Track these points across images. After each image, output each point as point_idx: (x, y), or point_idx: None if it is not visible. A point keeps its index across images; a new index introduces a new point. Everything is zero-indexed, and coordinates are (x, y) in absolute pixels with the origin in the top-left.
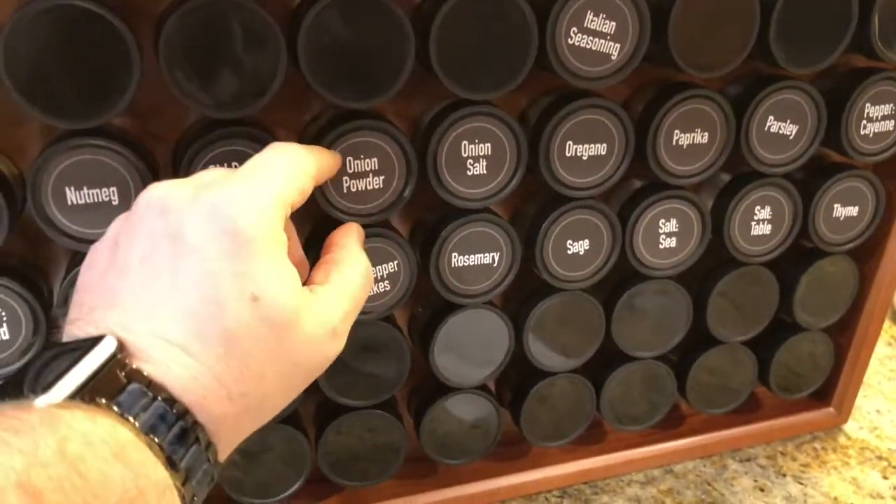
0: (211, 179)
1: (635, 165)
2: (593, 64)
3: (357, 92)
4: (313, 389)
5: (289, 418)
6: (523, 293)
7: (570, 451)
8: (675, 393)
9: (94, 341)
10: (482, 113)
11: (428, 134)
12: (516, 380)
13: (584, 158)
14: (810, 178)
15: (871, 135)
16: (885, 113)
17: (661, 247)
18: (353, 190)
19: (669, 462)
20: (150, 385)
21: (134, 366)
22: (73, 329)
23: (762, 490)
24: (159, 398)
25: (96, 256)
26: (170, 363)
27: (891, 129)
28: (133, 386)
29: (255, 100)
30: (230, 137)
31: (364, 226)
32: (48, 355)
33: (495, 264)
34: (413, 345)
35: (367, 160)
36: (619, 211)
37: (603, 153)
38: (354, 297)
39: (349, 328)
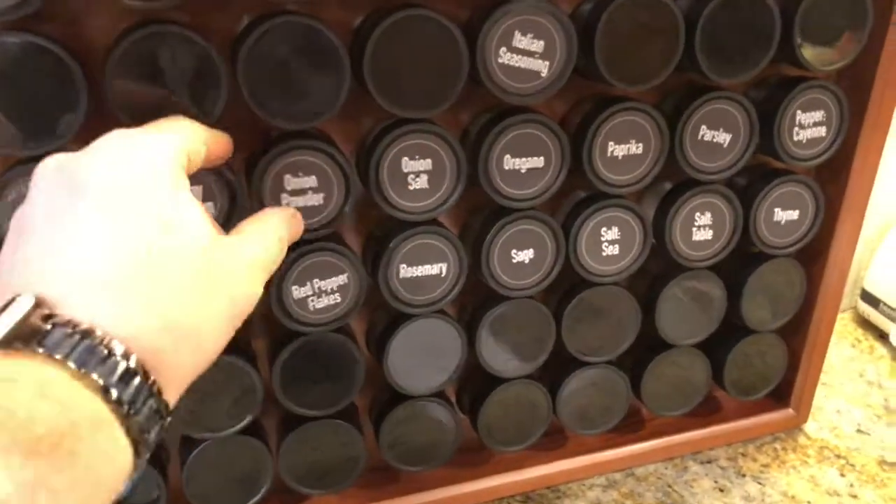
0: (103, 137)
1: (578, 177)
2: (523, 81)
3: (297, 114)
4: (273, 401)
5: (250, 429)
6: (475, 301)
7: (532, 457)
8: (630, 397)
9: (9, 302)
10: (420, 130)
11: (370, 151)
12: (474, 386)
13: (523, 171)
14: (750, 184)
15: (804, 141)
16: (817, 119)
17: (604, 254)
18: (293, 206)
19: (631, 465)
20: (77, 328)
21: (57, 312)
22: None
23: (722, 491)
24: (88, 338)
25: (3, 247)
26: (95, 304)
27: (823, 134)
28: (58, 330)
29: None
30: None
31: (307, 241)
32: None
33: (443, 274)
34: (370, 354)
35: (306, 177)
36: (564, 221)
37: (540, 166)
38: (269, 244)
39: (266, 276)
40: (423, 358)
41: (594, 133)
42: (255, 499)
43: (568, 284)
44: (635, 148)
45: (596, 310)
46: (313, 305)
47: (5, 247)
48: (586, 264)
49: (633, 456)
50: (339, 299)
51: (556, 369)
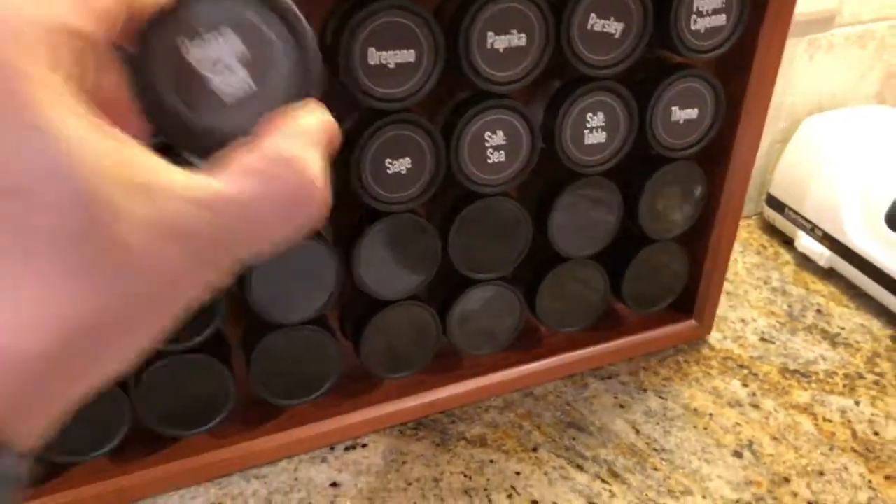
0: None
1: (457, 75)
2: None
3: None
4: None
5: None
6: (349, 218)
7: (423, 382)
8: (526, 314)
9: None
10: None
11: None
12: (355, 311)
13: (391, 66)
14: (645, 81)
15: (702, 30)
16: (717, 6)
17: (489, 161)
18: None
19: (528, 385)
20: None
21: None
22: None
23: (622, 406)
24: None
25: None
26: None
27: (723, 23)
28: None
29: None
30: None
31: None
32: None
33: None
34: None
35: None
36: (443, 125)
37: (411, 60)
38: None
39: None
40: (293, 284)
41: (470, 22)
42: (110, 446)
43: (452, 196)
44: (517, 39)
45: (484, 223)
46: None
47: None
48: (470, 173)
49: (531, 375)
50: None
51: (444, 288)
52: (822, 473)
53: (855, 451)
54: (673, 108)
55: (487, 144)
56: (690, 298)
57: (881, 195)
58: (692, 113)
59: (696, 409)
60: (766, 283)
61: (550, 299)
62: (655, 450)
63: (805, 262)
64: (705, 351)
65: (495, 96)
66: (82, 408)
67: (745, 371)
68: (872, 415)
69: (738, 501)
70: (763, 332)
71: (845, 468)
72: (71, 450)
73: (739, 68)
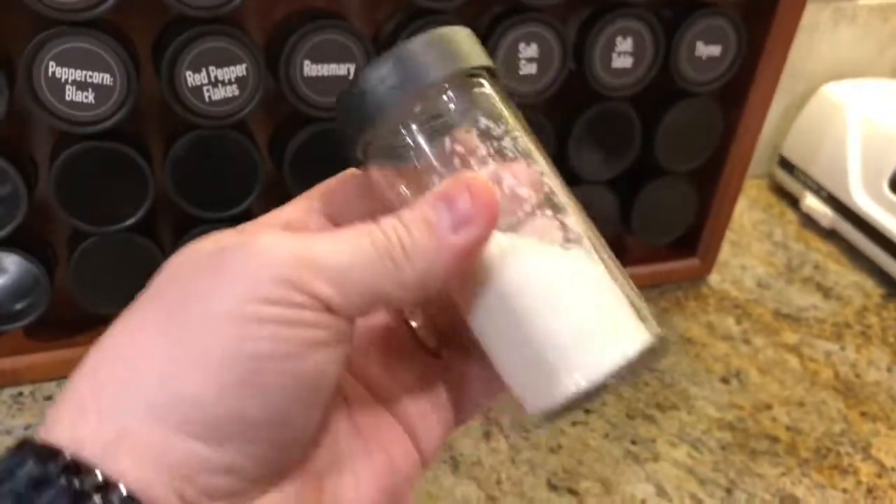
0: None
1: None
2: None
3: None
4: (168, 202)
5: (140, 227)
6: None
7: None
8: None
9: None
10: None
11: None
12: None
13: None
14: (675, 15)
15: None
16: None
17: (521, 73)
18: None
19: None
20: None
21: None
22: None
23: None
24: None
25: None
26: None
27: None
28: None
29: None
30: None
31: (204, 21)
32: None
33: (351, 77)
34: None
35: None
36: (482, 34)
37: None
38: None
39: None
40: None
41: None
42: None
43: None
44: None
45: None
46: (209, 96)
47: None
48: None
49: None
50: (236, 91)
51: None
52: (802, 404)
53: (835, 388)
54: (698, 42)
55: (521, 56)
56: (695, 238)
57: (887, 160)
58: (715, 50)
59: (689, 339)
60: (769, 237)
61: None
62: (647, 369)
63: (809, 222)
64: (704, 290)
65: (533, 9)
66: (121, 264)
67: (740, 311)
68: (856, 360)
69: (721, 419)
70: (760, 279)
71: (824, 402)
72: None
73: (764, 12)
